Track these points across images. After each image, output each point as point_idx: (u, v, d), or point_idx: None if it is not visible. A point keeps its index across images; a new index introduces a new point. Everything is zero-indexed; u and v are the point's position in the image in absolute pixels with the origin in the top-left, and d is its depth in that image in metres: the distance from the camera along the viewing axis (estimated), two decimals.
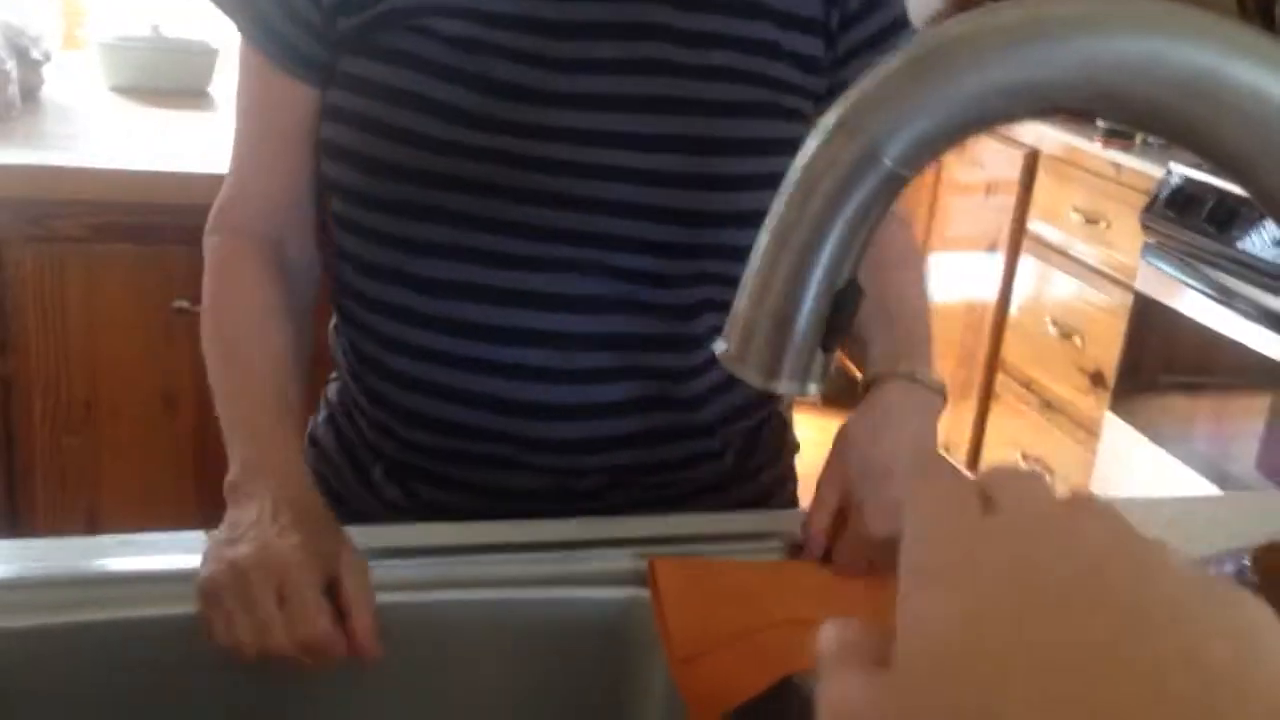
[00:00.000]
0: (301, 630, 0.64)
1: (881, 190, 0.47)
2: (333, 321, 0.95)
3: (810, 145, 0.47)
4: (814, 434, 1.38)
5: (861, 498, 0.79)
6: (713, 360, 0.75)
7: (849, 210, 0.47)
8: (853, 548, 0.79)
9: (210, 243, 0.90)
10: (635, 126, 0.81)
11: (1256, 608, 0.25)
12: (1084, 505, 0.27)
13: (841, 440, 0.82)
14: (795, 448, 1.02)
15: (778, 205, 0.48)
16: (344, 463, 0.93)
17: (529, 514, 0.83)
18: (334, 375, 0.97)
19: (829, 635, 0.28)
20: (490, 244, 0.81)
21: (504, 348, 0.83)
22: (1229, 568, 0.72)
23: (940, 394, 0.85)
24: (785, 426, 1.02)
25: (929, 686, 0.25)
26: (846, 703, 0.26)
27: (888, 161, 0.46)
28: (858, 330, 0.88)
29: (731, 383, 0.89)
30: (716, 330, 0.52)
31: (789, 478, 1.01)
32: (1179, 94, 0.42)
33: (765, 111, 0.84)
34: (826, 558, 0.80)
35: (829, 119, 0.47)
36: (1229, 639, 0.24)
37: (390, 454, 0.89)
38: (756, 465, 0.96)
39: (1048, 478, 0.29)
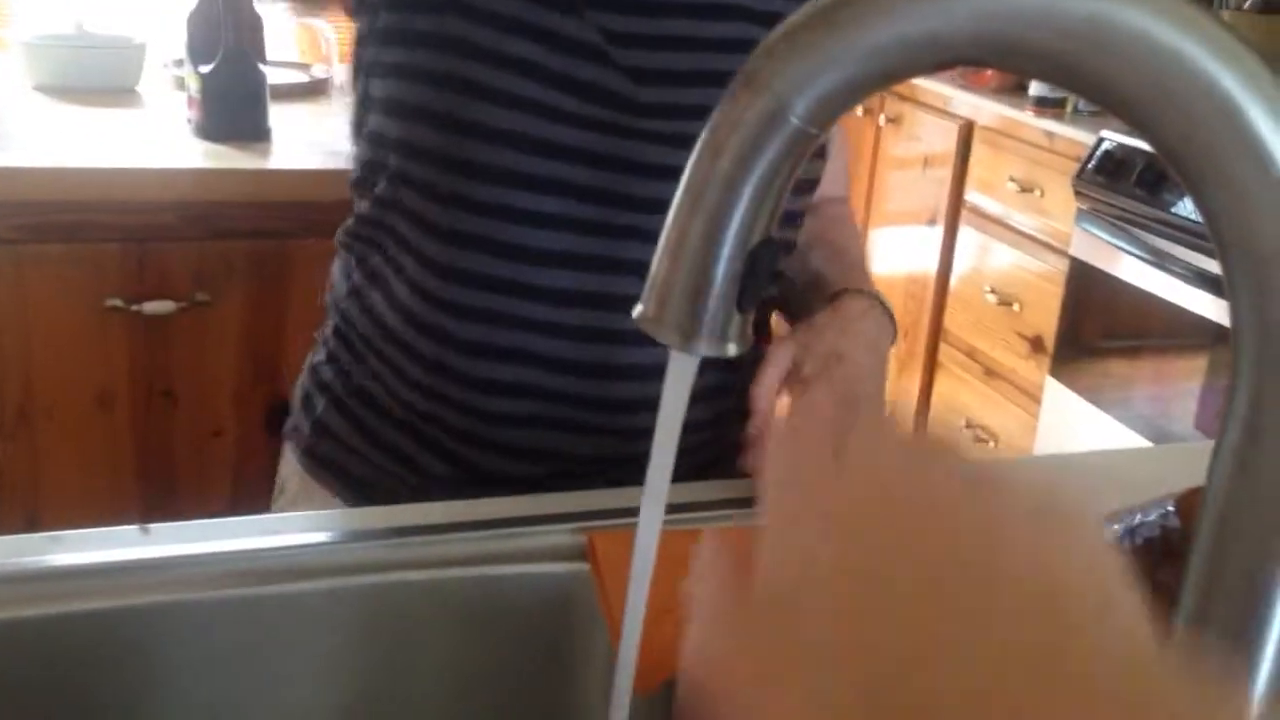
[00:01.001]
0: None
1: (790, 148, 0.47)
2: (341, 286, 0.94)
3: (720, 104, 0.48)
4: None
5: (811, 373, 0.82)
6: None
7: (759, 170, 0.47)
8: None
9: None
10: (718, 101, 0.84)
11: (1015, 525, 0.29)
12: (922, 460, 0.31)
13: (802, 325, 0.86)
14: None
15: (690, 164, 0.48)
16: (369, 447, 0.92)
17: (587, 479, 0.85)
18: (323, 358, 0.96)
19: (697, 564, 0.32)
20: (576, 211, 0.84)
21: (584, 310, 0.85)
22: (1154, 515, 0.73)
23: (894, 324, 0.92)
24: None
25: (775, 618, 0.29)
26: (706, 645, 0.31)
27: (794, 120, 0.46)
28: (812, 281, 0.94)
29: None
30: None
31: None
32: (1073, 42, 0.42)
33: None
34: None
35: (736, 78, 0.47)
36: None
37: (441, 420, 0.89)
38: None
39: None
